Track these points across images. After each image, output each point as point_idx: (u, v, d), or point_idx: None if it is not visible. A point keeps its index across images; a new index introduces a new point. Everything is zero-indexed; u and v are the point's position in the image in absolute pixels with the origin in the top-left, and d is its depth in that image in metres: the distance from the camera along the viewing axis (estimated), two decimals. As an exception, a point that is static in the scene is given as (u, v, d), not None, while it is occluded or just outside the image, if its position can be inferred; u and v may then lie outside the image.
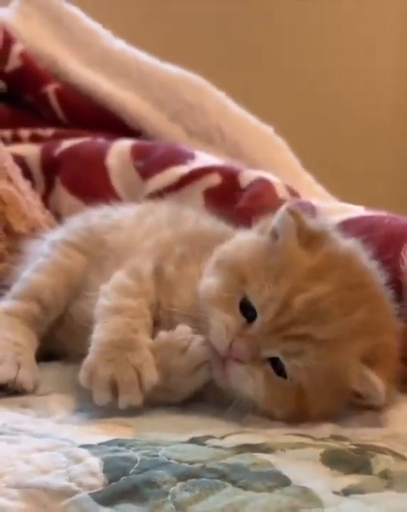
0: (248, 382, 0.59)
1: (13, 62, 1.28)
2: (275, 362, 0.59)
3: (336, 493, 0.46)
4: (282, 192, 1.05)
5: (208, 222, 0.82)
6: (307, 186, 1.27)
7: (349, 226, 0.86)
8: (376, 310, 0.62)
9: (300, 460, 0.50)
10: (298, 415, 0.59)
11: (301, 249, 0.62)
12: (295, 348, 0.58)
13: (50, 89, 1.28)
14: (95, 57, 1.34)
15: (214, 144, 1.29)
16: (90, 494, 0.44)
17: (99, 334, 0.64)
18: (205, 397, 0.64)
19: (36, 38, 1.34)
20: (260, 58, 1.78)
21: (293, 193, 1.07)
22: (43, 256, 0.78)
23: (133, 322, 0.64)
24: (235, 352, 0.59)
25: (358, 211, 0.94)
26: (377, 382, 0.59)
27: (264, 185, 1.04)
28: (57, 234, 0.82)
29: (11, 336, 0.71)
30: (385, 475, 0.49)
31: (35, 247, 0.83)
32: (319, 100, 1.80)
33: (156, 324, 0.66)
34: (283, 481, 0.46)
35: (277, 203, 1.03)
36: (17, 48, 1.29)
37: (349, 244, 0.67)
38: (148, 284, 0.67)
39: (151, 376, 0.61)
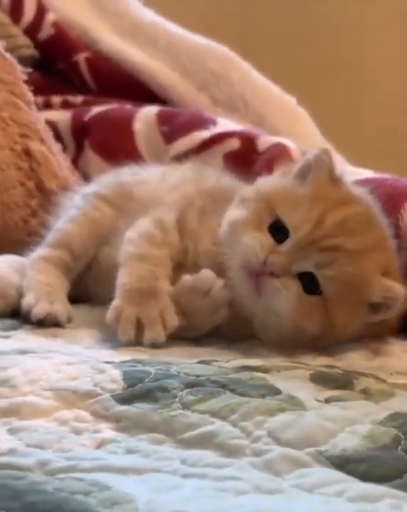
0: (283, 294, 0.66)
1: (46, 31, 1.34)
2: (303, 278, 0.67)
3: (319, 400, 0.53)
4: (298, 157, 1.12)
5: (228, 180, 0.89)
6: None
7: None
8: (387, 237, 0.73)
9: (292, 378, 0.57)
10: (323, 333, 0.67)
11: (328, 184, 0.71)
12: (328, 258, 0.66)
13: (81, 57, 1.33)
14: (125, 27, 1.39)
15: (238, 113, 1.34)
16: (111, 395, 0.52)
17: (125, 280, 0.70)
18: (219, 333, 0.70)
19: (68, 8, 1.39)
20: (286, 29, 1.82)
21: (309, 158, 1.13)
22: (75, 207, 0.85)
23: (156, 270, 0.70)
24: (270, 266, 0.66)
25: (365, 174, 1.01)
26: (398, 287, 0.67)
27: (281, 149, 1.10)
28: (90, 187, 0.89)
29: (43, 278, 0.77)
30: (365, 391, 0.56)
31: (68, 199, 0.91)
32: (341, 69, 1.84)
33: (182, 269, 0.72)
34: (275, 391, 0.54)
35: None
36: (50, 17, 1.34)
37: (361, 190, 0.77)
38: (172, 234, 0.74)
39: (173, 321, 0.67)
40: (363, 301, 0.68)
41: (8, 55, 1.12)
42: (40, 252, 0.81)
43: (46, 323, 0.72)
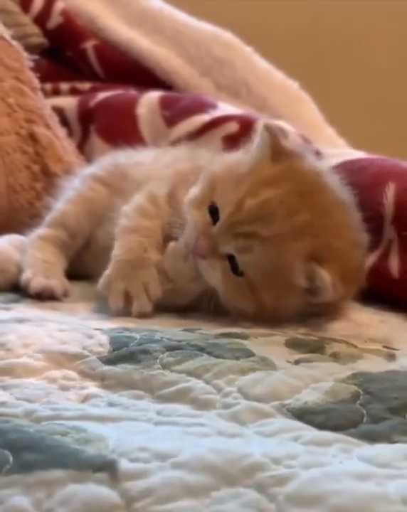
0: (210, 274, 0.70)
1: (55, 19, 1.38)
2: (232, 259, 0.69)
3: (288, 362, 0.57)
4: (295, 139, 1.15)
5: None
6: (329, 139, 1.35)
7: (345, 166, 0.96)
8: (324, 216, 0.68)
9: (267, 343, 0.61)
10: (261, 311, 0.68)
11: (268, 161, 0.69)
12: (244, 244, 0.67)
13: (89, 45, 1.38)
14: (132, 14, 1.43)
15: (241, 98, 1.37)
16: (97, 357, 0.57)
17: (117, 252, 0.75)
18: (205, 307, 0.74)
19: (76, -4, 1.44)
20: (290, 16, 1.85)
21: (306, 141, 1.16)
22: (72, 189, 0.90)
23: (145, 241, 0.74)
24: (198, 248, 0.69)
25: (357, 155, 1.04)
26: (323, 275, 0.65)
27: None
28: (87, 169, 0.94)
29: (41, 255, 0.82)
30: (334, 355, 0.60)
31: (68, 182, 0.96)
32: (345, 54, 1.86)
33: (171, 239, 0.75)
34: (248, 354, 0.58)
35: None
36: (59, 6, 1.38)
37: (319, 165, 0.75)
38: (163, 207, 0.77)
39: (156, 291, 0.72)
40: (293, 285, 0.67)
41: (14, 43, 1.16)
42: (38, 231, 0.86)
43: (43, 296, 0.76)
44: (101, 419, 0.47)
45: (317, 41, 1.86)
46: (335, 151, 1.09)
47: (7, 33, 1.17)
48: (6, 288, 0.80)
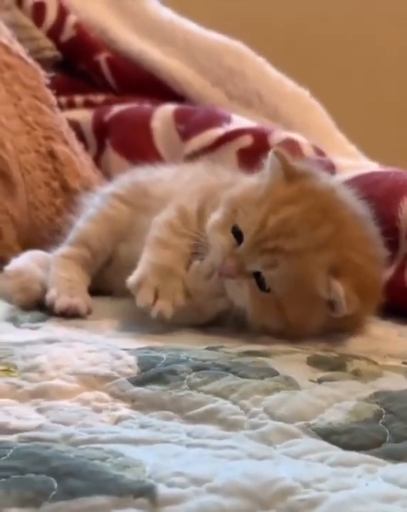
0: (238, 293, 0.72)
1: (68, 33, 1.40)
2: (258, 277, 0.71)
3: (311, 381, 0.59)
4: (308, 151, 1.16)
5: (241, 176, 0.94)
6: (340, 146, 1.36)
7: (359, 180, 0.98)
8: (343, 231, 0.71)
9: (290, 361, 0.63)
10: (287, 328, 0.71)
11: (283, 182, 0.73)
12: (270, 259, 0.70)
13: (102, 57, 1.40)
14: (144, 26, 1.45)
15: (253, 108, 1.39)
16: (127, 379, 0.59)
17: (150, 257, 0.77)
18: (227, 323, 0.76)
19: (88, 8, 1.45)
20: (297, 23, 1.86)
21: (319, 152, 1.18)
22: (93, 207, 0.92)
23: (176, 256, 0.77)
24: (226, 268, 0.72)
25: (371, 167, 1.06)
26: (338, 288, 0.68)
27: (290, 145, 1.15)
28: (108, 187, 0.96)
29: (64, 274, 0.85)
30: (355, 372, 0.62)
31: (88, 200, 0.98)
32: (353, 61, 1.88)
33: (198, 254, 0.77)
34: (272, 373, 0.60)
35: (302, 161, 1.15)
36: (71, 19, 1.41)
37: (331, 181, 0.77)
38: (192, 224, 0.79)
39: (181, 300, 0.74)
40: (317, 298, 0.70)
41: (30, 61, 1.19)
42: (61, 250, 0.88)
43: (68, 315, 0.79)
44: (135, 441, 0.49)
45: (328, 47, 1.87)
46: (349, 163, 1.10)
47: (23, 52, 1.19)
48: (30, 305, 0.83)
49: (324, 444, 0.50)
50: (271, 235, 0.70)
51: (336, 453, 0.48)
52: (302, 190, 0.73)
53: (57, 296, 0.80)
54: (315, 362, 0.64)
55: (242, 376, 0.59)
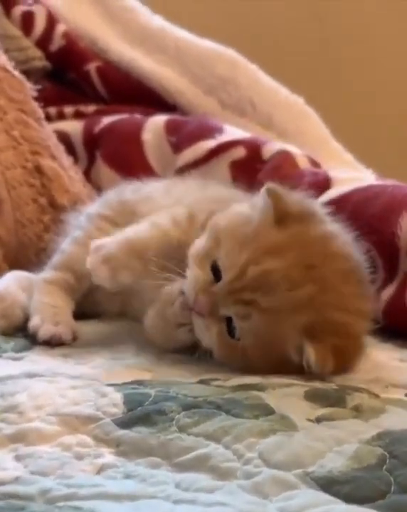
0: (205, 334, 0.68)
1: (58, 42, 1.36)
2: (230, 322, 0.67)
3: (309, 420, 0.55)
4: (303, 163, 1.13)
5: (235, 192, 0.90)
6: (336, 155, 1.33)
7: (356, 194, 0.94)
8: (328, 290, 0.66)
9: (286, 396, 0.59)
10: (257, 372, 0.66)
11: (272, 226, 0.67)
12: (243, 311, 0.65)
13: (92, 67, 1.36)
14: (134, 34, 1.41)
15: (247, 116, 1.35)
16: (112, 420, 0.55)
17: (131, 231, 0.75)
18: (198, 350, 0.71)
19: (77, 17, 1.42)
20: (294, 30, 1.83)
21: (314, 164, 1.14)
22: (79, 228, 0.88)
23: (158, 241, 0.73)
24: (198, 306, 0.67)
25: (368, 180, 1.02)
26: (310, 353, 0.63)
27: (284, 156, 1.12)
28: (93, 207, 0.91)
29: (48, 300, 0.81)
30: (356, 408, 0.58)
31: (74, 219, 0.94)
32: (349, 68, 1.85)
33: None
34: (268, 411, 0.56)
35: (297, 174, 1.12)
36: (60, 28, 1.37)
37: (329, 228, 0.71)
38: (184, 228, 0.75)
39: (128, 277, 0.73)
40: (283, 356, 0.66)
41: (17, 73, 1.15)
42: (45, 274, 0.85)
43: (52, 343, 0.75)
44: (118, 497, 0.45)
45: (322, 54, 1.84)
46: (345, 176, 1.06)
47: (9, 64, 1.15)
48: (10, 332, 0.79)
49: (325, 496, 0.46)
50: (248, 287, 0.65)
51: (338, 507, 0.44)
52: (292, 238, 0.67)
53: (41, 324, 0.77)
54: (313, 396, 0.60)
55: (235, 415, 0.55)
